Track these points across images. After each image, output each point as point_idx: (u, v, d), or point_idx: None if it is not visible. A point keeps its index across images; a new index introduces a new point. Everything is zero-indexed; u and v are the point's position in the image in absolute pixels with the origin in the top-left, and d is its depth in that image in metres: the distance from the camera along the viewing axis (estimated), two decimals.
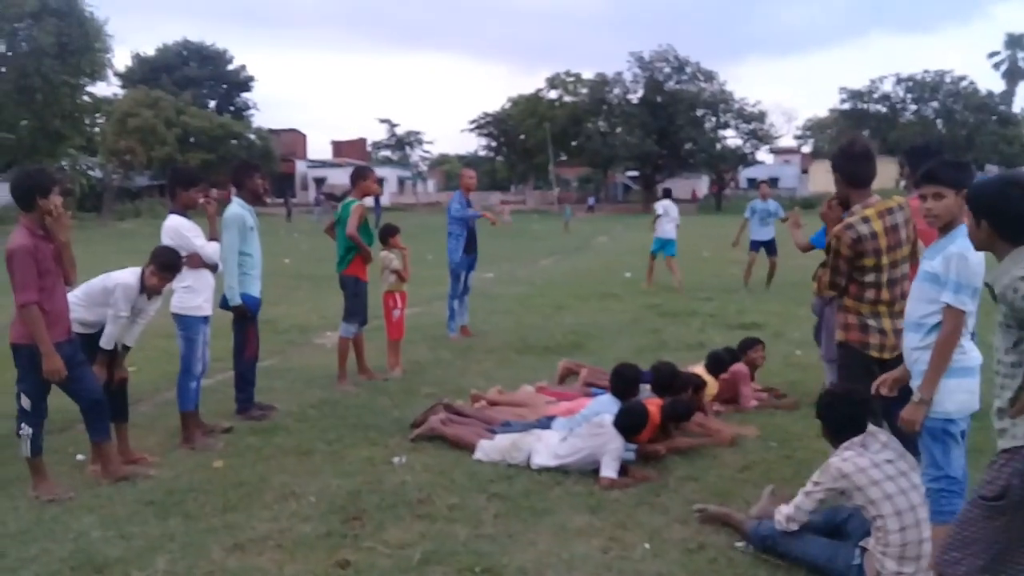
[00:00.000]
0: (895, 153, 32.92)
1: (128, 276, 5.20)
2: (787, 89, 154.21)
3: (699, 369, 6.38)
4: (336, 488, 4.76)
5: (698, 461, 5.21)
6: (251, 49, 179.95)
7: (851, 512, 3.79)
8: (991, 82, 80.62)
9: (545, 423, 5.51)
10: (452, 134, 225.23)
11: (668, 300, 12.52)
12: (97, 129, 48.20)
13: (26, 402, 4.62)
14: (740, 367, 6.49)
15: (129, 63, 61.10)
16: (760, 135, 61.08)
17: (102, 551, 3.96)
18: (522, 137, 64.77)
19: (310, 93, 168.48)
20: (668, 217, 14.30)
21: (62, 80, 37.05)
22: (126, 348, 5.38)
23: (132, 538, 4.11)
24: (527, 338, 9.48)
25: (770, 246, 13.85)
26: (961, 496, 3.52)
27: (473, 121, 67.27)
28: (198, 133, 51.91)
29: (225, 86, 65.15)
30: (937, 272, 3.47)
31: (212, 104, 61.94)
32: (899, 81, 63.34)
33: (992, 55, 68.43)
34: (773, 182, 14.60)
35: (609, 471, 4.78)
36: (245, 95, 66.49)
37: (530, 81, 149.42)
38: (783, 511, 3.78)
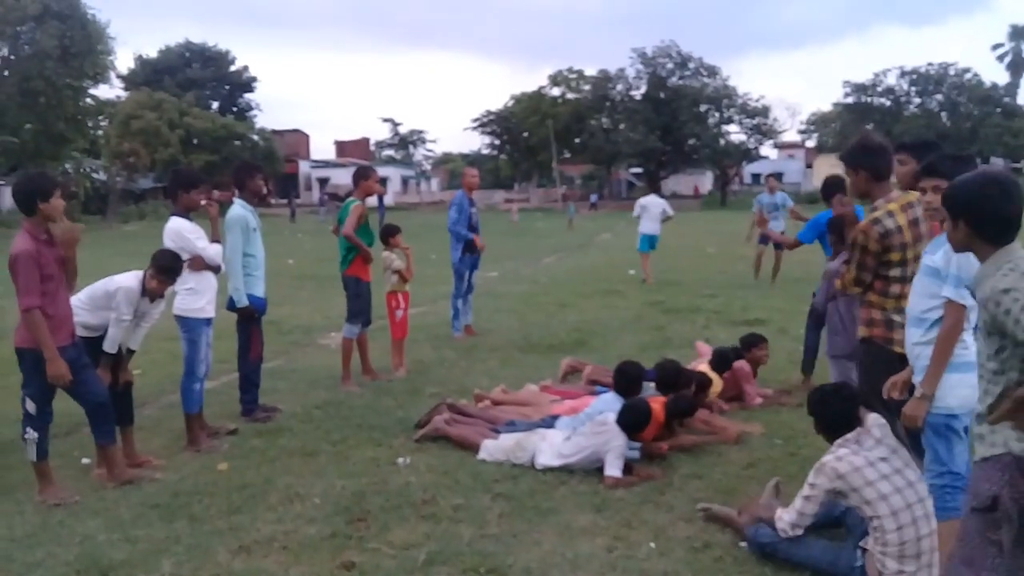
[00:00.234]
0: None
1: (130, 279, 5.21)
2: (790, 83, 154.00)
3: (704, 367, 6.37)
4: (341, 489, 4.76)
5: (703, 459, 5.21)
6: (253, 50, 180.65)
7: (848, 506, 3.78)
8: (995, 74, 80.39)
9: (549, 422, 5.50)
10: (455, 133, 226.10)
11: (672, 297, 12.51)
12: (100, 132, 48.29)
13: (31, 406, 4.62)
14: (742, 364, 6.48)
15: (132, 65, 61.40)
16: (764, 130, 61.00)
17: (108, 554, 3.98)
18: (525, 135, 64.80)
19: (313, 93, 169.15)
20: (648, 213, 14.75)
21: (65, 83, 37.10)
22: (131, 351, 5.39)
23: (138, 541, 4.13)
24: (531, 336, 9.48)
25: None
26: (965, 492, 3.50)
27: (476, 119, 67.49)
28: (201, 135, 52.02)
29: (228, 87, 65.29)
30: (938, 266, 3.45)
31: (215, 105, 62.04)
32: (903, 74, 63.14)
33: (996, 47, 67.96)
34: (777, 177, 14.60)
35: (613, 470, 4.77)
36: (248, 96, 66.78)
37: (533, 78, 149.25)
38: (785, 519, 3.72)
